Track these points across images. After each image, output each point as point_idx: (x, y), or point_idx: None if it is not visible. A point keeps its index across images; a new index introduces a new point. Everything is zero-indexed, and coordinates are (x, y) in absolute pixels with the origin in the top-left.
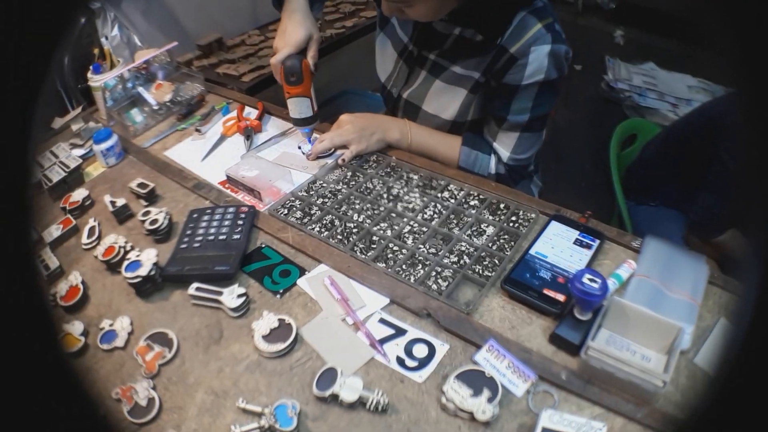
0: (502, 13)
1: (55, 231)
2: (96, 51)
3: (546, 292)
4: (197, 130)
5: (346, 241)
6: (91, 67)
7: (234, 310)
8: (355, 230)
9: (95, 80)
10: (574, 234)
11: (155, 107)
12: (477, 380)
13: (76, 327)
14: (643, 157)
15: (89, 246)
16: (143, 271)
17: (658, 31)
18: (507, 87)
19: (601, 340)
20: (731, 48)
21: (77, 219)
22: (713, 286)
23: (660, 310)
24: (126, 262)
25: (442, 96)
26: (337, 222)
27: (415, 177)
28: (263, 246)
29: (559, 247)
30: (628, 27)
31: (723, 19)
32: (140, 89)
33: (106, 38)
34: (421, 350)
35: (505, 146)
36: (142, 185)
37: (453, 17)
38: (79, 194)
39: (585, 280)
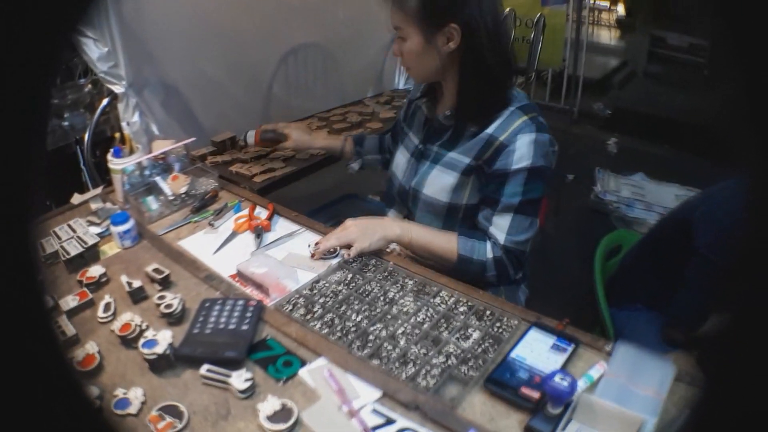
0: (491, 108)
1: (71, 301)
2: (117, 135)
3: (523, 390)
4: (210, 224)
5: (344, 339)
6: (111, 150)
7: (241, 392)
8: (353, 329)
9: (115, 163)
10: (552, 339)
11: (170, 197)
12: None
13: (91, 391)
14: (624, 265)
15: (105, 320)
16: (159, 349)
17: (651, 138)
18: (499, 173)
19: (570, 431)
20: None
21: (93, 293)
22: (680, 383)
23: (626, 405)
24: (143, 340)
25: (438, 180)
26: (336, 320)
27: (410, 282)
28: (268, 337)
29: (537, 351)
30: (622, 134)
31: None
32: (157, 178)
33: (128, 123)
34: None
35: (500, 229)
36: (157, 270)
37: (452, 114)
38: (95, 270)
39: (556, 379)
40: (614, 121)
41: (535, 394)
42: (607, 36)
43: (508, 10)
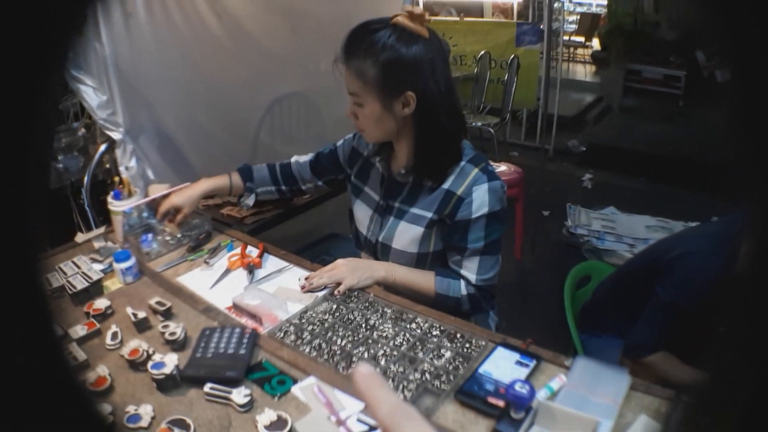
0: (445, 165)
1: (80, 330)
2: (117, 179)
3: (489, 399)
4: (206, 262)
5: (331, 360)
6: (111, 193)
7: (241, 406)
8: (338, 352)
9: (115, 205)
10: (516, 356)
11: (167, 237)
12: None
13: (104, 407)
14: (596, 297)
15: (112, 347)
16: (167, 370)
17: (627, 171)
18: (461, 223)
19: None
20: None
21: (100, 324)
22: (636, 392)
23: (583, 410)
24: (151, 362)
25: (405, 234)
26: (324, 345)
27: (389, 311)
28: (263, 360)
29: (502, 366)
30: (597, 169)
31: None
32: (154, 220)
33: (126, 168)
34: None
35: (470, 271)
36: (160, 303)
37: (409, 170)
38: (101, 303)
39: (517, 387)
40: (589, 157)
41: (501, 403)
42: (583, 72)
43: (483, 52)
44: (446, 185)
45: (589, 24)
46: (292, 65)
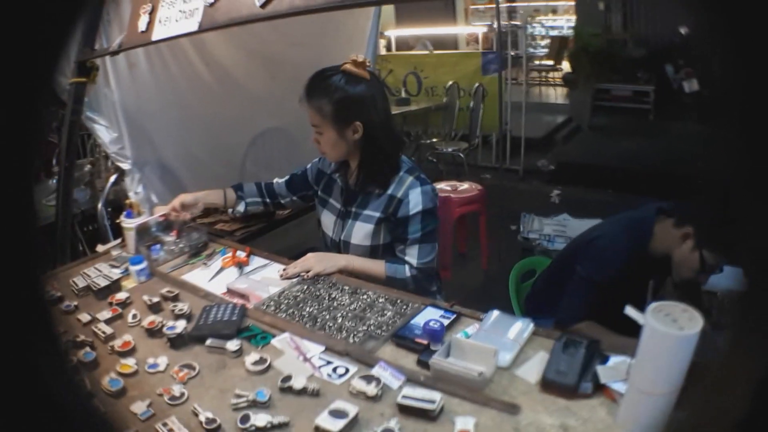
0: (387, 176)
1: (106, 314)
2: (128, 202)
3: (416, 340)
4: (204, 264)
5: (301, 321)
6: (124, 213)
7: (233, 352)
8: (307, 316)
9: (128, 222)
10: (440, 312)
11: (172, 247)
12: (370, 379)
13: (129, 361)
14: (536, 286)
15: (133, 324)
16: (178, 330)
17: (593, 186)
18: (401, 219)
19: (444, 359)
20: None
21: (122, 310)
22: (539, 336)
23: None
24: (165, 327)
25: (360, 231)
26: (296, 312)
27: (347, 287)
28: (250, 324)
29: (429, 318)
30: (566, 186)
31: None
32: (161, 233)
33: (135, 193)
34: (341, 370)
35: (412, 257)
36: (169, 291)
37: (360, 181)
38: (121, 295)
39: (431, 324)
40: (558, 175)
41: (424, 341)
42: (554, 95)
43: (451, 83)
44: (389, 191)
45: (557, 47)
46: (272, 104)
